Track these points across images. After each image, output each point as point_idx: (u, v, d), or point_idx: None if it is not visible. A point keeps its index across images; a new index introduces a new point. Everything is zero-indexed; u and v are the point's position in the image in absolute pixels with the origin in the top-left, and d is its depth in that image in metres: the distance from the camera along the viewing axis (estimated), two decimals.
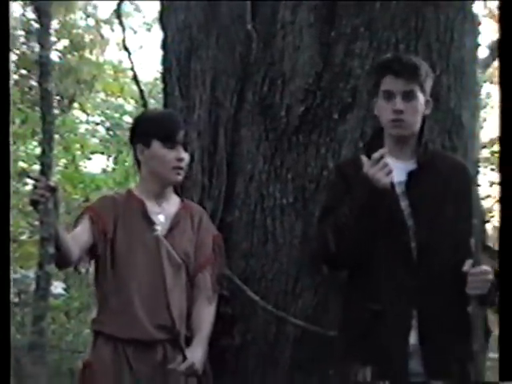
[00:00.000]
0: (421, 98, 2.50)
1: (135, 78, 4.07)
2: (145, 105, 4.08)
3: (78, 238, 2.67)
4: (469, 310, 2.28)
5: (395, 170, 2.44)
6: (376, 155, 2.40)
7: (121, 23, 4.83)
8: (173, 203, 2.84)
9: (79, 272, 2.86)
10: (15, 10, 9.40)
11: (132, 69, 4.15)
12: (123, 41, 4.30)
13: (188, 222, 2.82)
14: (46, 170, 2.45)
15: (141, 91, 4.10)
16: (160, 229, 2.75)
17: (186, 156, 2.77)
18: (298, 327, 2.98)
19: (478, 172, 3.43)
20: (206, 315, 2.76)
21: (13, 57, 9.46)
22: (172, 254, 2.73)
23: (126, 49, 4.29)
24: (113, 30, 10.07)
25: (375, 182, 2.38)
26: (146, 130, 2.79)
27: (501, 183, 2.28)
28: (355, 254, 2.45)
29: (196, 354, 2.66)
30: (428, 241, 2.41)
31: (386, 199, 2.41)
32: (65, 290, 6.39)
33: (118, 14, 5.06)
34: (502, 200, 2.25)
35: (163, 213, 2.79)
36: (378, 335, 2.39)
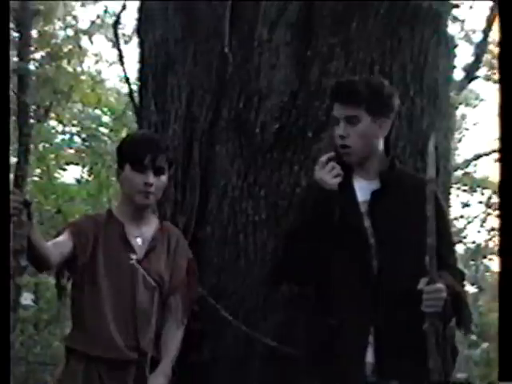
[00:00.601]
0: (366, 121, 2.51)
1: (127, 80, 4.10)
2: (138, 115, 4.05)
3: (59, 245, 2.69)
4: (424, 327, 2.30)
5: (360, 189, 2.50)
6: (323, 158, 2.50)
7: (116, 38, 4.90)
8: (151, 225, 2.86)
9: (60, 286, 2.85)
10: None
11: (126, 79, 4.18)
12: (119, 53, 4.34)
13: (165, 245, 2.83)
14: (20, 182, 2.45)
15: (130, 90, 4.11)
16: (135, 257, 2.76)
17: (155, 180, 2.75)
18: (267, 345, 2.98)
19: (449, 193, 3.46)
20: (173, 339, 2.78)
21: None
22: (147, 279, 2.74)
23: (121, 59, 4.33)
24: (92, 42, 10.06)
25: (323, 184, 2.45)
26: (121, 153, 2.83)
27: (500, 187, 2.31)
28: (306, 264, 2.48)
29: (158, 381, 2.69)
30: (389, 259, 2.43)
31: (340, 206, 2.46)
32: (34, 301, 6.32)
33: (115, 27, 5.11)
34: (502, 204, 2.28)
35: (141, 236, 2.81)
36: (336, 352, 2.41)
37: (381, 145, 2.58)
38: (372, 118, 2.51)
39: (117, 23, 5.16)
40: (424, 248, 2.29)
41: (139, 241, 2.80)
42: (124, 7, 5.03)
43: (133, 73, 3.97)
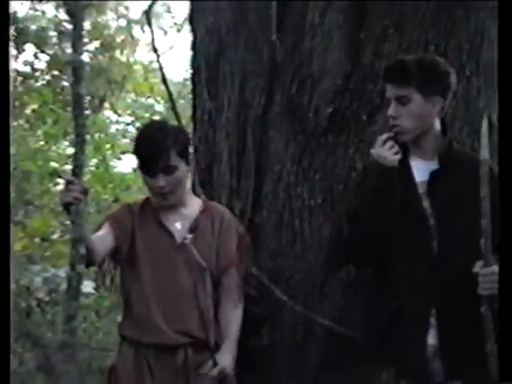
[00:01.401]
0: (418, 100, 2.48)
1: (164, 80, 4.08)
2: (173, 106, 4.09)
3: (101, 239, 2.72)
4: (481, 310, 2.28)
5: (418, 170, 2.49)
6: (383, 136, 2.50)
7: (149, 24, 4.85)
8: (192, 208, 2.85)
9: (106, 277, 2.90)
10: (48, 10, 9.48)
11: (161, 70, 4.17)
12: (152, 42, 4.32)
13: (208, 225, 2.83)
14: (77, 171, 2.48)
15: (169, 94, 4.11)
16: (176, 241, 2.77)
17: (167, 180, 2.71)
18: (326, 328, 2.99)
19: None
20: (233, 318, 2.79)
21: (45, 57, 9.52)
22: (190, 262, 2.75)
23: (155, 50, 4.31)
24: (143, 31, 10.13)
25: (383, 161, 2.45)
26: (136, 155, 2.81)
27: (500, 183, 2.27)
28: (366, 245, 2.47)
29: (226, 359, 2.71)
30: (448, 240, 2.41)
31: (399, 186, 2.45)
32: (95, 289, 6.42)
33: (147, 15, 5.08)
34: (502, 200, 2.24)
35: (180, 220, 2.81)
36: (396, 335, 2.41)
37: (437, 124, 2.55)
38: (424, 97, 2.48)
39: (150, 8, 5.10)
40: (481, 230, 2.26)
41: (178, 225, 2.79)
42: None
43: (185, 61, 3.99)
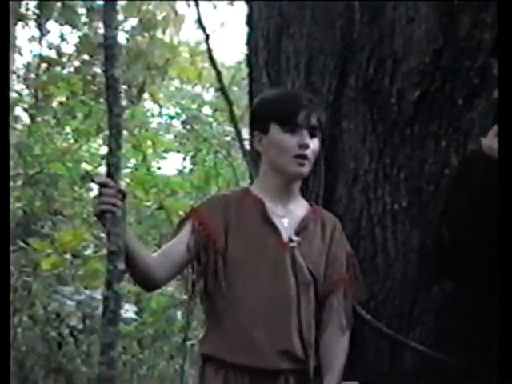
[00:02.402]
0: None
1: (213, 63, 4.10)
2: (225, 95, 4.10)
3: (171, 252, 2.71)
4: None
5: None
6: (495, 128, 2.47)
7: None
8: (300, 206, 2.85)
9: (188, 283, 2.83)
10: None
11: (209, 51, 4.18)
12: (199, 19, 4.33)
13: (318, 230, 2.82)
14: (113, 172, 2.48)
15: (218, 74, 4.10)
16: (285, 240, 2.74)
17: (311, 143, 2.76)
18: (418, 354, 2.96)
19: None
20: (339, 348, 2.75)
21: (74, 39, 9.65)
22: (301, 268, 2.72)
23: (203, 28, 4.32)
24: (189, 6, 10.19)
25: (494, 153, 2.43)
26: (263, 112, 2.81)
27: (500, 183, 2.27)
28: (468, 254, 2.43)
29: None
30: None
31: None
32: (137, 313, 6.49)
33: None
34: (502, 199, 2.24)
35: (287, 216, 2.80)
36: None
37: None
38: None
39: None
40: None
41: (285, 221, 2.78)
42: None
43: (240, 40, 4.01)
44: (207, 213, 2.78)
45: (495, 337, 2.39)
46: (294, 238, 2.76)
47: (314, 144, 2.78)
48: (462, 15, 3.13)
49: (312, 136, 2.77)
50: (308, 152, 2.74)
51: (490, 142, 2.48)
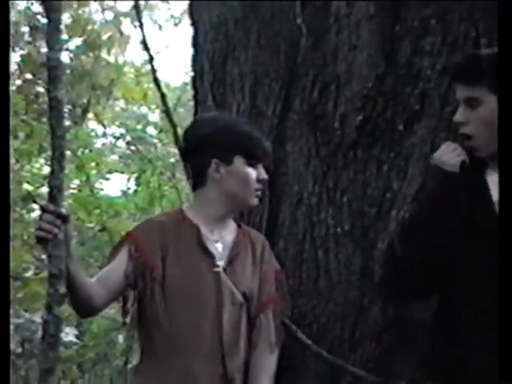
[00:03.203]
0: (491, 103, 2.48)
1: (157, 85, 4.10)
2: (168, 113, 4.11)
3: (107, 278, 2.71)
4: None
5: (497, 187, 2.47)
6: (447, 142, 2.55)
7: (139, 17, 4.86)
8: (230, 229, 2.88)
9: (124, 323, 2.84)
10: (19, 2, 9.53)
11: (153, 72, 4.19)
12: (143, 39, 4.33)
13: (249, 252, 2.85)
14: (55, 194, 2.47)
15: (162, 96, 4.10)
16: (220, 265, 2.77)
17: (266, 177, 2.85)
18: (359, 378, 2.98)
19: None
20: (267, 367, 2.77)
21: (15, 58, 9.54)
22: (234, 293, 2.74)
23: (148, 49, 4.32)
24: (135, 26, 10.17)
25: (442, 165, 2.49)
26: (228, 143, 2.81)
27: (500, 184, 2.33)
28: (428, 266, 2.46)
29: None
30: None
31: (474, 200, 2.47)
32: (77, 337, 6.42)
33: (137, 7, 5.10)
34: (502, 201, 2.29)
35: (221, 240, 2.82)
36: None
37: None
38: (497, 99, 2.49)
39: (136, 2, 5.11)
40: None
41: (219, 246, 2.80)
42: None
43: (185, 62, 4.02)
44: (143, 238, 2.78)
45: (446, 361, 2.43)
46: (228, 262, 2.78)
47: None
48: (403, 42, 3.18)
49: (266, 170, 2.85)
50: (264, 188, 2.84)
51: (440, 152, 2.53)
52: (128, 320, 2.78)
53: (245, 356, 2.76)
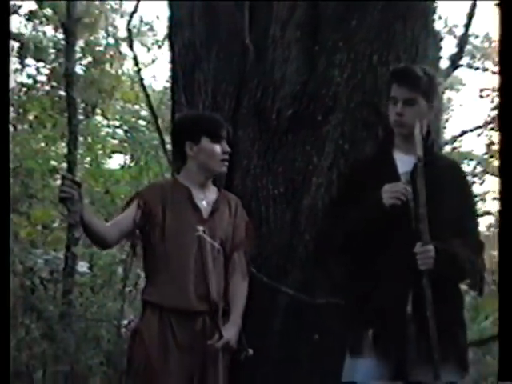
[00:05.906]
0: (423, 104, 2.47)
1: (144, 89, 4.14)
2: (152, 111, 4.11)
3: (120, 222, 2.67)
4: (423, 282, 2.29)
5: (403, 162, 2.47)
6: (393, 184, 2.42)
7: (131, 45, 4.86)
8: (212, 191, 2.81)
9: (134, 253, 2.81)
10: (48, 31, 9.40)
11: (141, 81, 4.25)
12: (134, 57, 4.35)
13: (226, 207, 2.79)
14: (71, 167, 2.44)
15: (147, 96, 4.16)
16: (205, 215, 2.71)
17: (229, 149, 2.76)
18: (289, 296, 2.96)
19: None
20: (241, 291, 2.72)
21: (45, 71, 9.46)
22: (214, 235, 2.69)
23: (137, 64, 4.35)
24: (130, 48, 10.01)
25: (382, 195, 2.39)
26: (195, 128, 2.75)
27: (500, 184, 2.31)
28: (363, 244, 2.44)
29: (231, 332, 2.61)
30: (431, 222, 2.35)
31: (383, 175, 2.45)
32: (89, 268, 6.39)
33: (129, 35, 5.08)
34: (502, 201, 2.25)
35: (206, 199, 2.75)
36: (378, 299, 2.37)
37: (425, 126, 2.50)
38: (427, 103, 2.47)
39: (129, 22, 5.11)
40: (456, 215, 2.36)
41: (204, 203, 2.73)
42: (135, 10, 4.93)
43: (166, 73, 4.00)
44: (149, 195, 2.74)
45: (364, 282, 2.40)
46: (210, 215, 2.72)
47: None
48: (320, 58, 3.18)
49: (229, 144, 2.76)
50: (227, 156, 2.74)
51: (386, 188, 2.40)
52: (133, 253, 2.79)
53: (223, 283, 2.70)
